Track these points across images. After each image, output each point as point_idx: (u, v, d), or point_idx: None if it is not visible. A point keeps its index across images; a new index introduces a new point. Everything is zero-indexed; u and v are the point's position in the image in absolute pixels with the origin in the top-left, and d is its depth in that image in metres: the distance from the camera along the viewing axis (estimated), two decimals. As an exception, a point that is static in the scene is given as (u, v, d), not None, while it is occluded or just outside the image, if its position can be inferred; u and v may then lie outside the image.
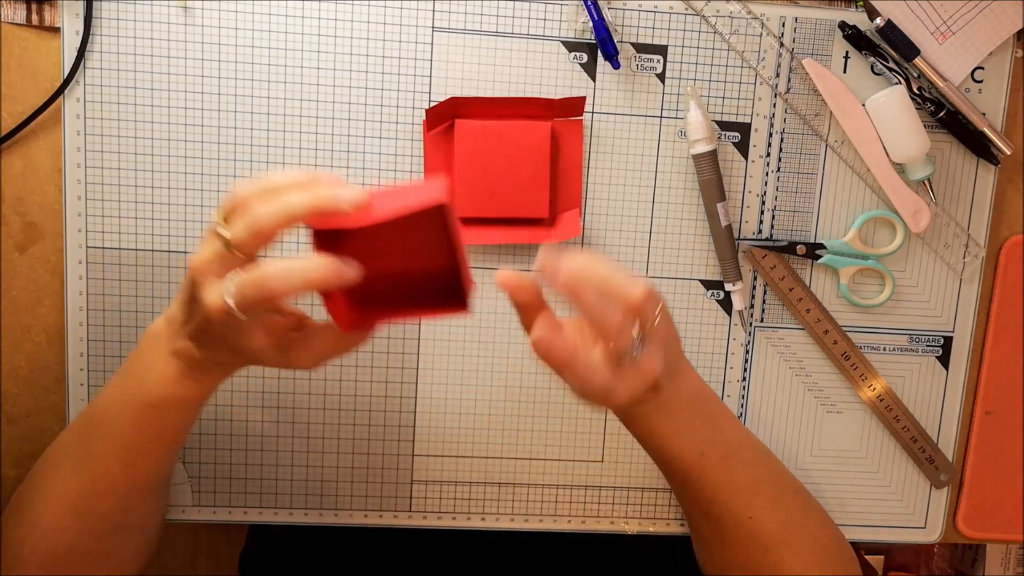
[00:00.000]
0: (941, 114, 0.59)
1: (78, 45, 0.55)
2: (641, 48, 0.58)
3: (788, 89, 0.59)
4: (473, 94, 0.58)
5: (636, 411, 0.49)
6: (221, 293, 0.40)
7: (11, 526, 0.50)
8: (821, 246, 0.61)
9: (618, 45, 0.57)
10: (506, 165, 0.56)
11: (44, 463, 0.52)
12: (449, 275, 0.44)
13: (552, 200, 0.58)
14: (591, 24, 0.56)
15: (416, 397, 0.61)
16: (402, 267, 0.46)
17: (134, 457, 0.49)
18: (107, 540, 0.51)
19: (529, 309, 0.45)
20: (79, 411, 0.59)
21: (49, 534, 0.49)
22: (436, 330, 0.61)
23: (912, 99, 0.59)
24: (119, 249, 0.58)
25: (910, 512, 0.66)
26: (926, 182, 0.60)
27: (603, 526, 0.64)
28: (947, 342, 0.63)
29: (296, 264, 0.40)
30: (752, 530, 0.53)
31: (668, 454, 0.52)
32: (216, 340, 0.43)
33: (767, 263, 0.61)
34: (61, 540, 0.49)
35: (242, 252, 0.41)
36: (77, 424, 0.51)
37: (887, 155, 0.59)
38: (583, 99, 0.57)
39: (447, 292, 0.45)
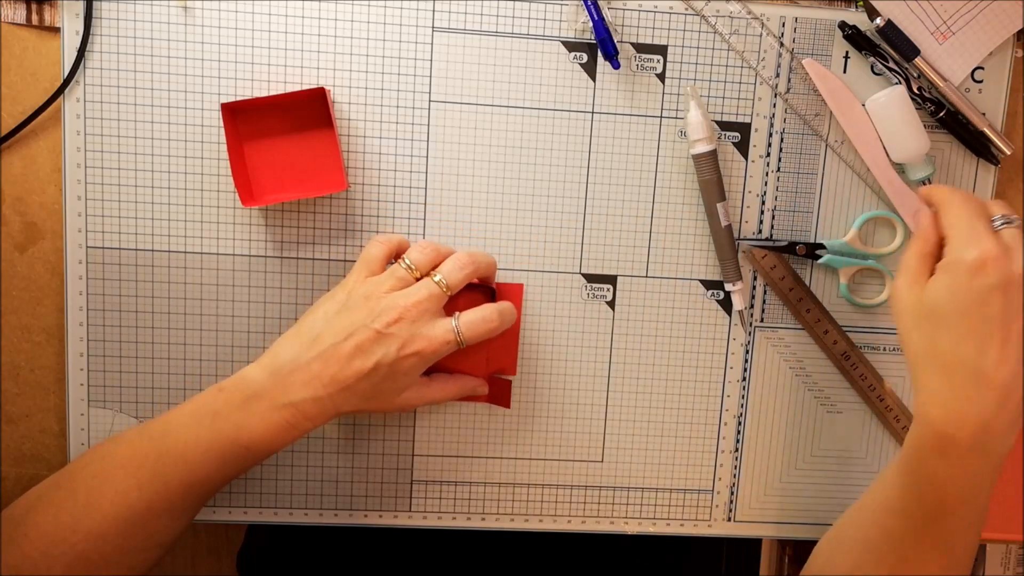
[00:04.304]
0: (941, 114, 0.59)
1: (78, 45, 0.55)
2: (641, 48, 0.58)
3: (788, 89, 0.59)
4: (473, 94, 0.58)
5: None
6: (449, 328, 0.51)
7: (43, 522, 0.49)
8: (821, 246, 0.61)
9: (618, 45, 0.57)
10: None
11: (92, 471, 0.51)
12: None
13: (487, 359, 0.58)
14: (591, 24, 0.56)
15: (416, 397, 0.61)
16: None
17: (207, 487, 0.52)
18: (145, 554, 0.51)
19: None
20: (77, 413, 0.59)
21: (89, 540, 0.49)
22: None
23: (912, 99, 0.59)
24: (119, 249, 0.58)
25: (910, 512, 0.66)
26: (926, 182, 0.60)
27: (603, 526, 0.64)
28: (947, 342, 0.63)
29: (511, 307, 0.55)
30: None
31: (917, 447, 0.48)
32: (368, 386, 0.51)
33: (767, 263, 0.61)
34: (100, 549, 0.49)
35: (452, 290, 0.52)
36: (142, 446, 0.51)
37: (887, 155, 0.59)
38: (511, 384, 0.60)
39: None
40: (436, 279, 0.52)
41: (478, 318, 0.53)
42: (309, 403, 0.50)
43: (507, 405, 0.61)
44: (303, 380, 0.50)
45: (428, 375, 0.56)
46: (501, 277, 0.60)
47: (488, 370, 0.58)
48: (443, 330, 0.51)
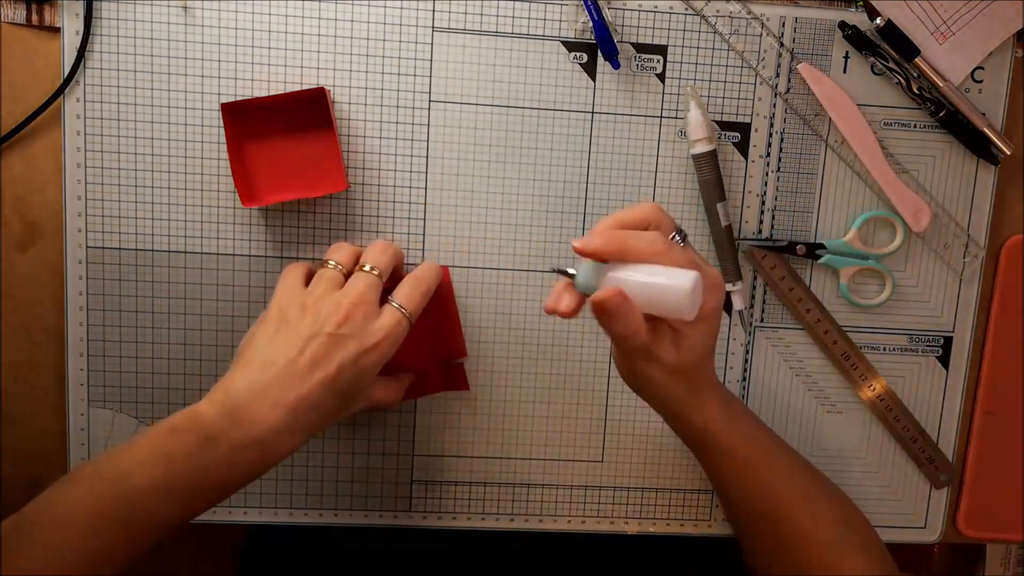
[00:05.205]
0: (941, 114, 0.59)
1: (78, 45, 0.55)
2: (641, 48, 0.58)
3: (788, 89, 0.59)
4: (473, 94, 0.58)
5: (694, 403, 0.51)
6: (393, 311, 0.50)
7: (14, 552, 0.46)
8: (821, 246, 0.61)
9: (618, 45, 0.57)
10: None
11: (50, 519, 0.46)
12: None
13: (430, 348, 0.57)
14: (591, 24, 0.56)
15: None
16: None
17: (174, 527, 0.48)
18: None
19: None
20: (77, 413, 0.59)
21: None
22: (436, 330, 0.61)
23: (912, 99, 0.59)
24: (119, 249, 0.58)
25: (910, 512, 0.66)
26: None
27: (603, 526, 0.64)
28: (947, 342, 0.63)
29: (427, 265, 0.55)
30: (816, 530, 0.54)
31: (728, 445, 0.53)
32: (334, 396, 0.48)
33: (767, 263, 0.61)
34: None
35: (383, 276, 0.52)
36: (100, 491, 0.46)
37: (885, 156, 0.60)
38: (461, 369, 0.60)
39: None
40: (366, 268, 0.51)
41: (408, 289, 0.52)
42: (274, 436, 0.47)
43: (465, 387, 0.61)
44: (264, 410, 0.46)
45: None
46: (500, 277, 0.60)
47: (436, 357, 0.57)
48: (389, 316, 0.50)
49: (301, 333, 0.48)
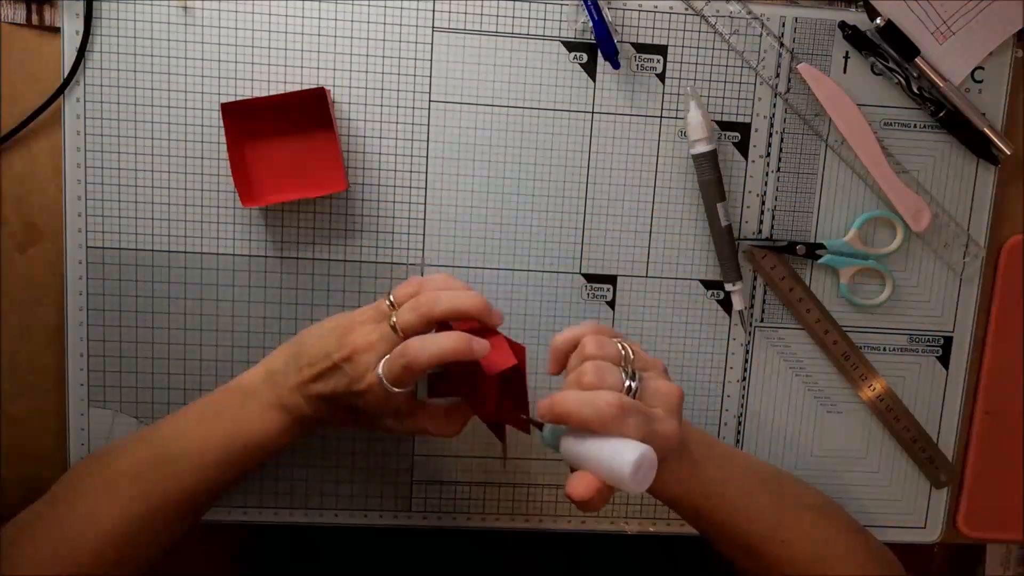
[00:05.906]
0: (941, 114, 0.59)
1: (78, 45, 0.55)
2: (641, 48, 0.58)
3: (788, 89, 0.59)
4: (473, 94, 0.58)
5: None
6: (375, 373, 0.49)
7: (43, 538, 0.49)
8: (821, 246, 0.61)
9: (618, 45, 0.57)
10: None
11: (91, 484, 0.51)
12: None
13: (499, 406, 0.53)
14: (591, 24, 0.56)
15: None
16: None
17: (208, 493, 0.52)
18: (146, 560, 0.52)
19: None
20: (77, 413, 0.59)
21: (90, 554, 0.49)
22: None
23: (912, 99, 0.59)
24: (119, 249, 0.58)
25: (910, 512, 0.66)
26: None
27: (603, 526, 0.64)
28: (947, 342, 0.63)
29: (433, 337, 0.48)
30: (791, 553, 0.53)
31: (688, 506, 0.52)
32: (344, 407, 0.51)
33: (767, 263, 0.61)
34: (102, 561, 0.49)
35: (405, 332, 0.49)
36: (144, 454, 0.52)
37: (885, 156, 0.60)
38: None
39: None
40: (392, 320, 0.50)
41: (393, 354, 0.48)
42: (297, 409, 0.52)
43: (503, 454, 0.62)
44: (288, 387, 0.52)
45: (437, 400, 0.54)
46: (500, 277, 0.60)
47: (498, 416, 0.54)
48: (373, 375, 0.49)
49: (325, 349, 0.51)
